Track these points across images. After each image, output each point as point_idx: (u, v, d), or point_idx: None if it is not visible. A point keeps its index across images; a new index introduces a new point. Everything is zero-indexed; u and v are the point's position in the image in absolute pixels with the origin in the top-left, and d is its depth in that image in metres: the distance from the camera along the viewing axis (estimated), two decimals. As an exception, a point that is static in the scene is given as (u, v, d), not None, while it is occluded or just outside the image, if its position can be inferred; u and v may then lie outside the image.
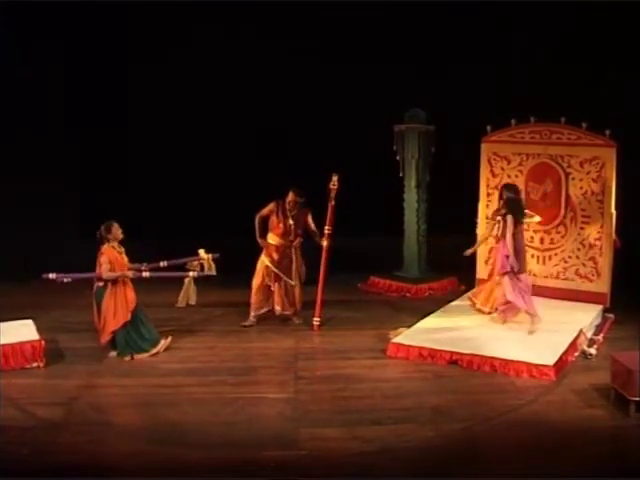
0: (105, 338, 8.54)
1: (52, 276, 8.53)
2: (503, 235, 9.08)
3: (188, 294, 9.05)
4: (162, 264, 8.81)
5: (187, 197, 12.04)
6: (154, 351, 8.63)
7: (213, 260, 8.93)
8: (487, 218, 10.08)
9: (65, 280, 8.62)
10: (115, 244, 8.59)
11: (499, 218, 9.22)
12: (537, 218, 9.68)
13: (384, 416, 7.14)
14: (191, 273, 8.91)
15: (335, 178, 9.53)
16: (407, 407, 7.36)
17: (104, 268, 8.48)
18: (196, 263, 8.94)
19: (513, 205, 9.13)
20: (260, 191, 9.67)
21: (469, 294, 10.09)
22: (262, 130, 12.13)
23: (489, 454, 6.59)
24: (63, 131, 11.70)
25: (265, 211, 9.57)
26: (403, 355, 8.58)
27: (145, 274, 8.66)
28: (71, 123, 11.74)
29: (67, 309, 10.28)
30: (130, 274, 8.55)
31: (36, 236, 11.22)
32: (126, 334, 8.50)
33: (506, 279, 9.07)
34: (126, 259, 8.63)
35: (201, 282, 11.00)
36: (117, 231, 8.60)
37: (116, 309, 8.47)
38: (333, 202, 9.52)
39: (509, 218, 9.00)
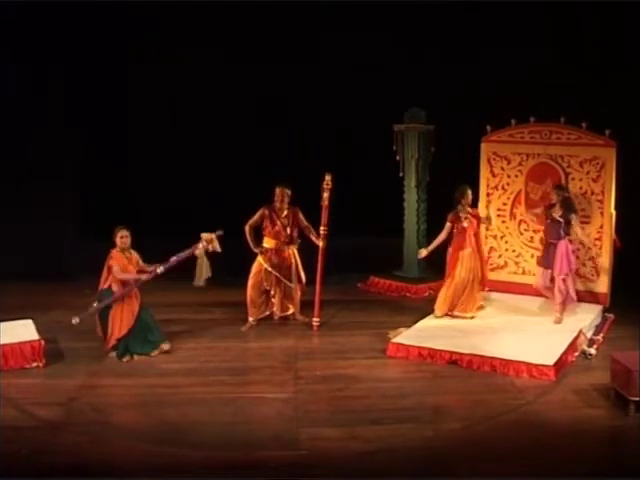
0: (110, 344, 8.53)
1: (76, 321, 8.54)
2: (566, 234, 9.38)
3: (202, 270, 8.89)
4: (158, 270, 8.62)
5: (187, 197, 12.04)
6: (154, 354, 8.62)
7: (217, 238, 8.81)
8: (532, 214, 10.14)
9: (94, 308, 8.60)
10: (127, 252, 8.60)
11: (558, 218, 9.40)
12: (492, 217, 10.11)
13: (384, 416, 7.14)
14: (200, 245, 8.73)
15: (328, 178, 9.50)
16: (407, 407, 7.37)
17: (115, 270, 8.48)
18: (201, 246, 8.75)
19: (573, 205, 9.55)
20: (260, 191, 9.68)
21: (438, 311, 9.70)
22: (262, 130, 12.13)
23: (489, 454, 6.58)
24: (63, 131, 11.68)
25: (255, 218, 9.56)
26: (403, 355, 8.59)
27: (159, 269, 8.56)
28: (71, 123, 11.73)
29: (67, 309, 10.24)
30: (144, 277, 8.53)
31: (36, 236, 11.23)
32: (127, 341, 8.50)
33: (570, 277, 9.40)
34: (133, 267, 8.60)
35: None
36: (120, 239, 8.56)
37: (122, 317, 8.48)
38: (327, 202, 9.50)
39: (575, 217, 9.38)
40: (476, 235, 9.73)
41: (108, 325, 8.53)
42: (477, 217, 9.72)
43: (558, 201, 9.45)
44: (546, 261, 9.51)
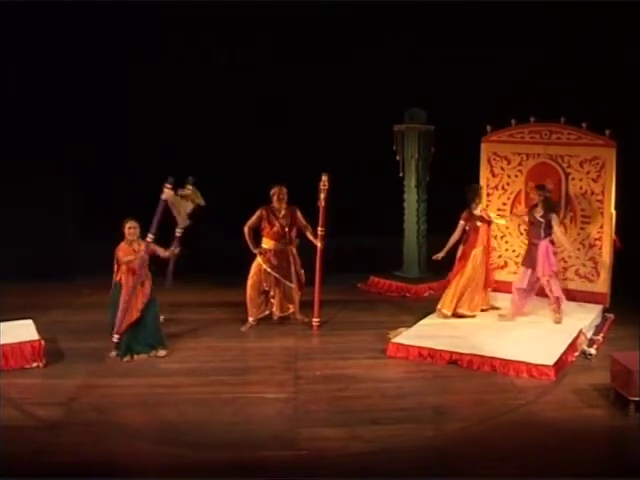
0: (120, 329, 8.52)
1: (116, 337, 8.54)
2: (547, 235, 9.31)
3: (180, 209, 8.65)
4: (148, 238, 8.51)
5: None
6: (150, 354, 8.61)
7: (192, 185, 8.62)
8: (512, 215, 10.09)
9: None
10: (134, 242, 8.58)
11: (539, 219, 9.36)
12: (502, 221, 10.10)
13: (384, 416, 7.14)
14: (164, 189, 8.48)
15: (325, 178, 9.48)
16: (407, 407, 7.37)
17: (120, 255, 8.53)
18: (166, 190, 8.49)
19: (554, 205, 9.50)
20: (259, 191, 9.67)
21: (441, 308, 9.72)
22: (262, 130, 12.12)
23: (489, 454, 6.58)
24: (63, 131, 11.68)
25: (253, 220, 9.56)
26: (403, 355, 8.59)
27: (148, 238, 8.48)
28: (71, 123, 11.73)
29: (67, 309, 10.30)
30: (143, 253, 8.49)
31: (36, 236, 11.23)
32: (129, 340, 8.51)
33: (554, 278, 9.37)
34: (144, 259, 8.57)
35: (200, 281, 11.04)
36: (127, 230, 8.59)
37: (125, 310, 8.49)
38: (324, 203, 9.49)
39: (555, 217, 9.33)
40: (487, 234, 9.73)
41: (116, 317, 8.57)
42: (489, 216, 9.75)
43: (539, 201, 9.42)
44: (529, 261, 9.50)
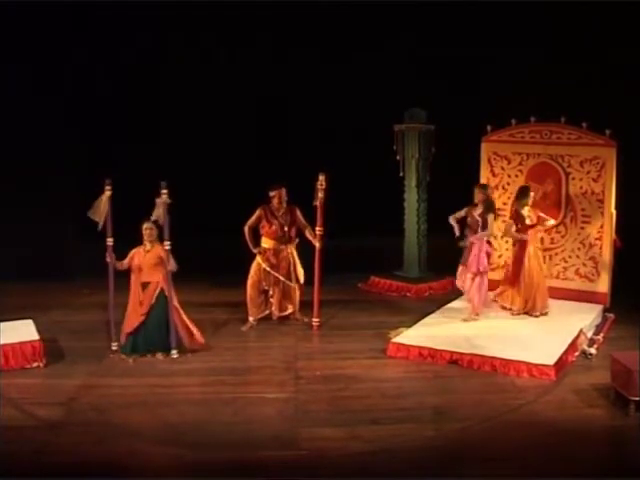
0: (122, 339, 8.57)
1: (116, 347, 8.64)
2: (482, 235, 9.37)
3: (102, 210, 8.61)
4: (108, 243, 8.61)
5: (185, 198, 12.00)
6: (148, 355, 8.60)
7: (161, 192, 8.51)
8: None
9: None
10: (148, 244, 8.58)
11: (477, 217, 9.37)
12: (552, 221, 9.98)
13: (384, 416, 7.14)
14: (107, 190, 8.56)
15: (322, 178, 9.46)
16: (407, 407, 7.37)
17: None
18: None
19: (493, 205, 9.51)
20: (258, 191, 9.67)
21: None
22: (262, 130, 12.12)
23: (489, 454, 6.58)
24: (63, 131, 11.68)
25: (253, 219, 9.58)
26: (403, 355, 8.59)
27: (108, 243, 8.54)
28: (71, 123, 11.72)
29: (67, 309, 10.30)
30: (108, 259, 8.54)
31: (36, 236, 11.23)
32: (136, 337, 8.51)
33: (479, 277, 9.39)
34: (148, 261, 8.57)
35: (200, 281, 11.06)
36: (144, 231, 8.58)
37: (130, 311, 8.51)
38: (321, 202, 9.47)
39: (491, 216, 9.34)
40: (536, 234, 9.79)
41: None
42: (538, 217, 9.77)
43: (480, 201, 9.43)
44: (465, 259, 9.52)
